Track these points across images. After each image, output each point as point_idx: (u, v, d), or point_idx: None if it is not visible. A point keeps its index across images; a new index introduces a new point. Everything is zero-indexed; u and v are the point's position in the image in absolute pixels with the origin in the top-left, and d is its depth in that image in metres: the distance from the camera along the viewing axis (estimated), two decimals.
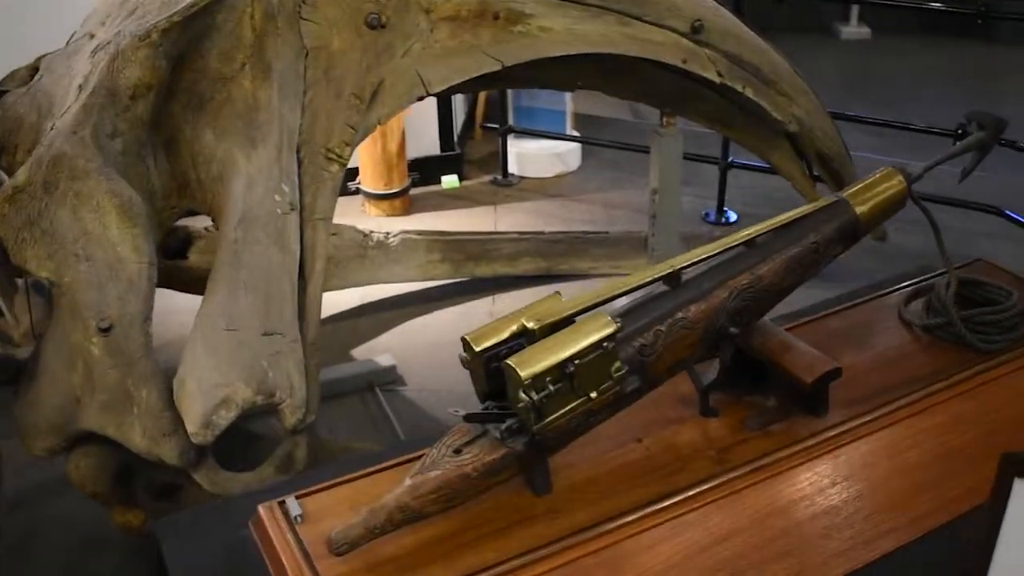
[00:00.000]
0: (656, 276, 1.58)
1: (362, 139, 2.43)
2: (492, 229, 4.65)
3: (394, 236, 3.92)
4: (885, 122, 4.70)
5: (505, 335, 1.49)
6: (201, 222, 2.91)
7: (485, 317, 3.85)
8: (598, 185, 5.26)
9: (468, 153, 5.53)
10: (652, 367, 1.56)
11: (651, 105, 3.24)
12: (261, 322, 2.08)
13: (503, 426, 1.45)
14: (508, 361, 1.40)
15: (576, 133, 5.46)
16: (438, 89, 2.48)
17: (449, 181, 5.26)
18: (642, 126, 5.79)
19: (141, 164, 2.23)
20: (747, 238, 1.68)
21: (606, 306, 1.55)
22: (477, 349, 1.47)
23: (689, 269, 1.62)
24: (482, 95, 5.60)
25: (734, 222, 4.78)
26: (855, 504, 1.58)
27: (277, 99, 2.28)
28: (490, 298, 4.07)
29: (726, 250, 1.66)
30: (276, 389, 2.02)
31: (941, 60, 7.42)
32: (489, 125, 5.46)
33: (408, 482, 1.43)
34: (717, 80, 2.83)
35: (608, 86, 3.10)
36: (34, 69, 2.56)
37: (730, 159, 4.68)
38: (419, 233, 4.02)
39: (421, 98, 2.49)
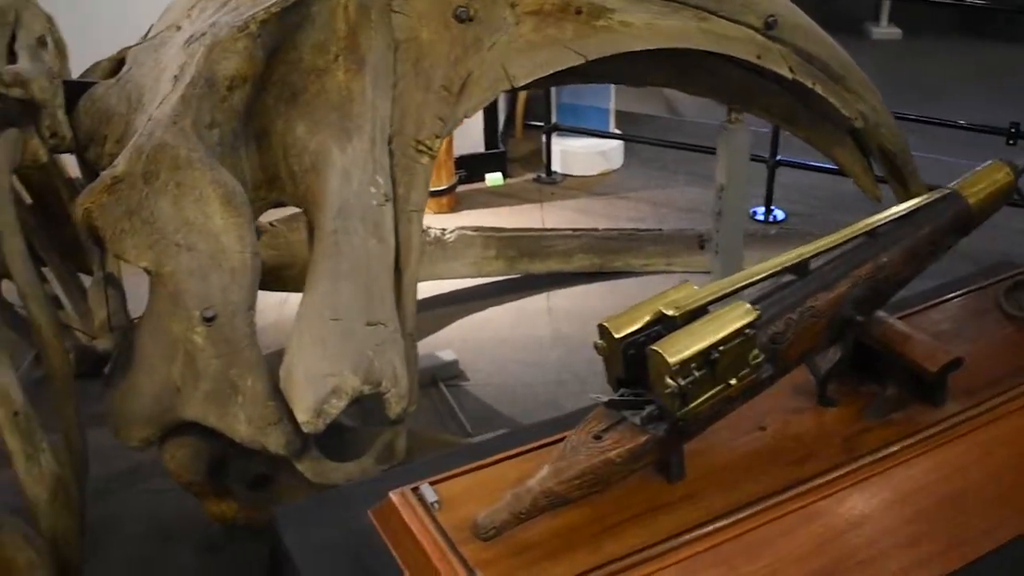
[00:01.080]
0: (785, 265, 1.59)
1: (449, 132, 2.44)
2: (540, 226, 4.65)
3: (450, 232, 3.93)
4: (930, 120, 4.69)
5: (642, 323, 1.50)
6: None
7: (542, 314, 3.87)
8: (643, 183, 5.27)
9: (510, 151, 5.53)
10: (783, 355, 1.57)
11: (719, 101, 3.24)
12: (364, 312, 2.08)
13: (643, 412, 1.45)
14: (654, 347, 1.41)
15: (618, 131, 5.47)
16: (522, 83, 2.48)
17: (493, 179, 5.27)
18: (681, 123, 5.80)
19: (235, 155, 2.23)
20: (869, 228, 1.68)
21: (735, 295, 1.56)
22: (617, 336, 1.48)
23: (815, 259, 1.63)
24: (523, 93, 5.60)
25: (782, 220, 4.77)
26: (978, 492, 1.59)
27: (370, 91, 2.28)
28: (544, 295, 4.08)
29: (849, 240, 1.66)
30: (382, 378, 2.03)
31: (973, 60, 7.42)
32: (534, 123, 5.46)
33: (549, 468, 1.43)
34: (789, 76, 2.83)
35: (679, 81, 3.10)
36: (117, 61, 2.56)
37: (777, 157, 4.69)
38: (474, 229, 4.03)
39: (506, 92, 2.49)
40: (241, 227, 2.05)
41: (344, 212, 2.17)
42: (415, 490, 1.56)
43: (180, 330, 2.05)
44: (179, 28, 2.43)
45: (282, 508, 1.77)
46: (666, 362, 1.39)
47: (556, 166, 5.34)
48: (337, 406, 1.95)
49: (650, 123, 5.77)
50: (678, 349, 1.40)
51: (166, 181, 2.07)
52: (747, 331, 1.45)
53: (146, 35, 2.62)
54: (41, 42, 2.38)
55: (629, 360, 1.49)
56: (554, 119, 5.24)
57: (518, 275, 4.15)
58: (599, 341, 1.52)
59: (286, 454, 2.04)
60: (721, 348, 1.42)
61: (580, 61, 2.52)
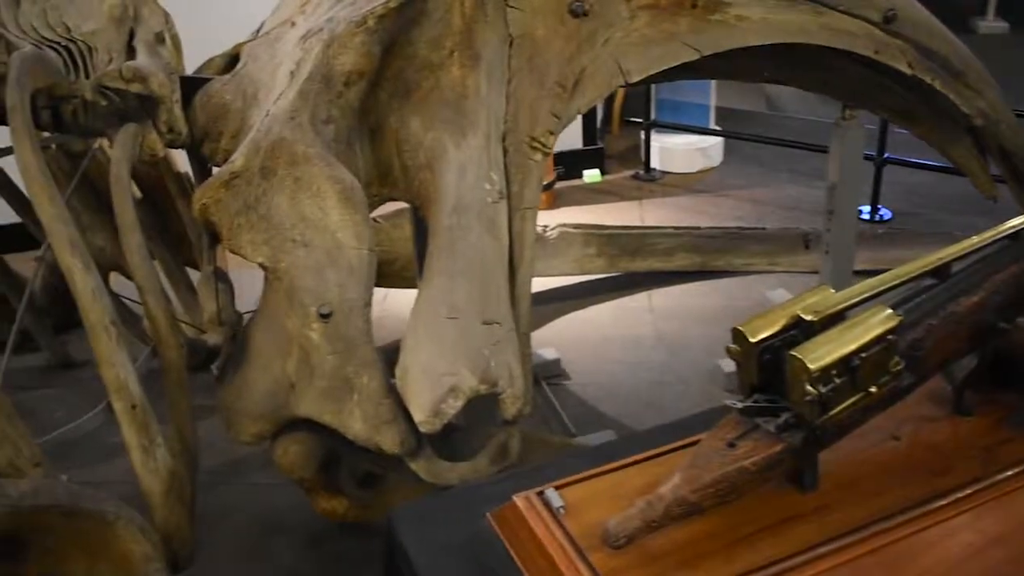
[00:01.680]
0: (926, 268, 1.53)
1: (563, 128, 2.40)
2: (639, 224, 4.61)
3: (552, 230, 3.90)
4: None
5: (778, 327, 1.45)
6: None
7: (643, 313, 3.83)
8: (743, 181, 5.19)
9: (607, 147, 5.48)
10: (923, 362, 1.51)
11: (834, 97, 3.16)
12: (480, 310, 2.06)
13: (779, 420, 1.41)
14: (794, 352, 1.36)
15: (717, 127, 5.39)
16: (636, 79, 2.44)
17: (591, 175, 5.23)
18: (781, 119, 5.71)
19: (350, 151, 2.22)
20: (1012, 231, 1.62)
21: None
22: (753, 340, 1.43)
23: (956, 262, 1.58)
24: (620, 89, 5.55)
25: (889, 220, 4.67)
26: None
27: (485, 87, 2.26)
28: (645, 293, 4.03)
29: (992, 242, 1.60)
30: (498, 378, 2.00)
31: None
32: (632, 119, 5.41)
33: (682, 476, 1.39)
34: (908, 71, 2.75)
35: (793, 77, 3.04)
36: (230, 57, 2.57)
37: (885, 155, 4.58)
38: (575, 227, 4.00)
39: (620, 87, 2.46)
40: (358, 224, 2.04)
41: (459, 209, 2.14)
42: (539, 494, 1.54)
43: (295, 326, 2.04)
44: (293, 24, 2.43)
45: (398, 508, 1.75)
46: (806, 368, 1.34)
47: (655, 163, 5.28)
48: (454, 406, 1.93)
49: (749, 119, 5.68)
50: (819, 355, 1.35)
51: (283, 177, 2.07)
52: (889, 337, 1.40)
53: (258, 31, 2.63)
54: (159, 38, 2.39)
55: (764, 365, 1.44)
56: (653, 115, 5.18)
57: (618, 273, 4.11)
58: (732, 345, 1.47)
59: (400, 453, 2.03)
60: (862, 355, 1.37)
61: (695, 56, 2.48)
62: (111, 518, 1.90)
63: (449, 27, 2.26)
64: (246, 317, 2.95)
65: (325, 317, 2.00)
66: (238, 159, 2.09)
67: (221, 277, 2.91)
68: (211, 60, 2.58)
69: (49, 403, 3.51)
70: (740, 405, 1.44)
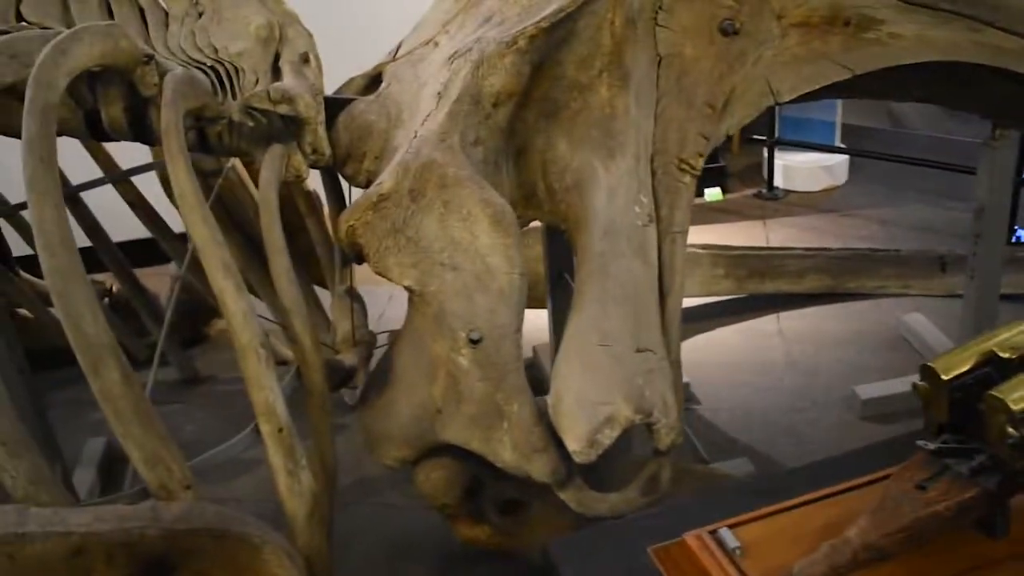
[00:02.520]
0: None
1: (711, 150, 2.35)
2: (764, 244, 4.52)
3: None
4: None
5: (970, 364, 1.38)
6: None
7: (773, 336, 3.74)
8: (869, 200, 5.06)
9: (728, 165, 5.39)
10: None
11: (985, 117, 3.06)
12: (633, 338, 2.01)
13: (972, 462, 1.34)
14: (994, 392, 1.29)
15: (842, 145, 5.28)
16: (787, 98, 2.37)
17: (712, 194, 5.15)
18: (907, 136, 5.56)
19: (497, 173, 2.19)
20: None
21: None
22: (945, 378, 1.36)
23: None
24: None
25: None
26: None
27: (634, 108, 2.21)
28: (774, 316, 3.94)
29: None
30: (653, 408, 1.95)
31: None
32: (755, 137, 5.31)
33: (869, 519, 1.33)
34: None
35: (944, 96, 2.94)
36: (371, 78, 2.56)
37: None
38: (702, 247, 3.92)
39: (770, 108, 2.39)
40: (509, 248, 2.00)
41: (610, 233, 2.10)
42: (713, 533, 1.48)
43: (443, 351, 2.01)
44: (436, 44, 2.41)
45: (557, 541, 1.71)
46: (1008, 409, 1.27)
47: (778, 181, 5.18)
48: (610, 436, 1.88)
49: (872, 136, 5.54)
50: (1021, 395, 1.28)
51: (432, 199, 2.04)
52: None
53: (396, 51, 2.61)
54: (304, 59, 2.38)
55: (954, 404, 1.37)
56: (777, 133, 5.08)
57: (744, 295, 4.02)
58: (920, 382, 1.40)
59: (551, 483, 1.98)
60: None
61: (846, 75, 2.40)
62: (258, 542, 1.88)
63: (598, 47, 2.21)
64: (380, 337, 2.95)
65: (475, 343, 1.96)
66: (387, 181, 2.07)
67: (354, 296, 2.91)
68: (352, 80, 2.57)
69: (177, 418, 3.55)
70: (931, 446, 1.37)
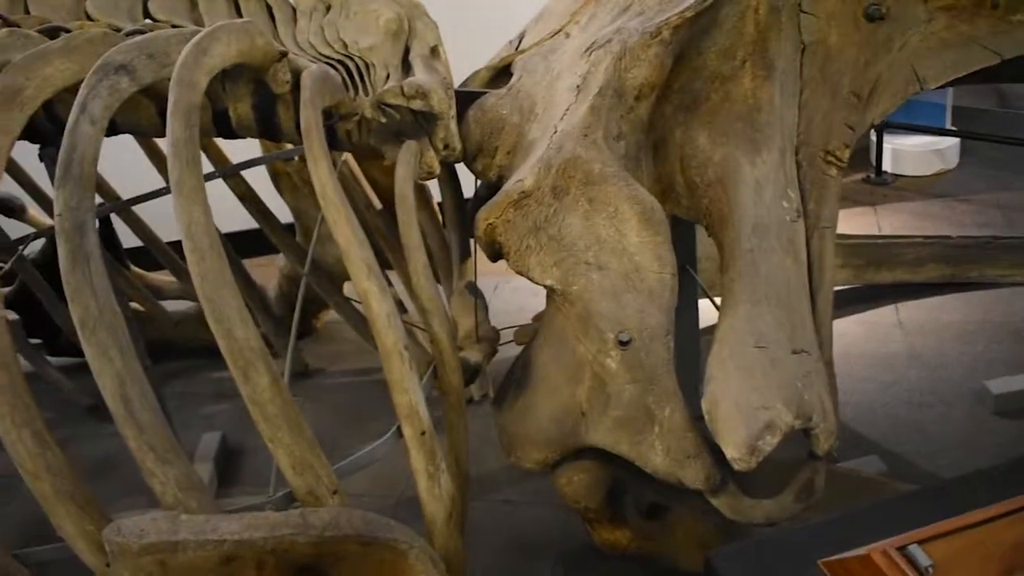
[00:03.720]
0: None
1: (857, 140, 2.26)
2: (876, 231, 4.40)
3: None
4: None
5: None
6: None
7: (892, 328, 3.63)
8: (984, 184, 4.89)
9: None
10: None
11: None
12: (788, 339, 1.94)
13: None
14: None
15: (953, 128, 5.13)
16: (932, 85, 2.28)
17: None
18: (1017, 117, 5.39)
19: (637, 168, 2.13)
20: None
21: None
22: None
23: None
24: None
25: None
26: None
27: (778, 99, 2.14)
28: (892, 307, 3.82)
29: None
30: (812, 412, 1.87)
31: None
32: None
33: None
34: None
35: None
36: (496, 70, 2.51)
37: None
38: None
39: (915, 94, 2.30)
40: (659, 246, 1.94)
41: (759, 229, 2.03)
42: (901, 549, 1.41)
43: (590, 352, 1.96)
44: (567, 35, 2.35)
45: (718, 551, 1.66)
46: None
47: (886, 165, 5.05)
48: (771, 443, 1.81)
49: (983, 118, 5.37)
50: None
51: (577, 196, 1.99)
52: None
53: (519, 42, 2.56)
54: (434, 52, 2.34)
55: None
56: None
57: (860, 284, 3.92)
58: None
59: (704, 489, 1.93)
60: None
61: (994, 61, 2.30)
62: (405, 548, 1.85)
63: (741, 36, 2.14)
64: (503, 334, 2.91)
65: (624, 344, 1.91)
66: (528, 178, 2.02)
67: (476, 292, 2.86)
68: (477, 73, 2.52)
69: None
70: None
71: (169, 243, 3.46)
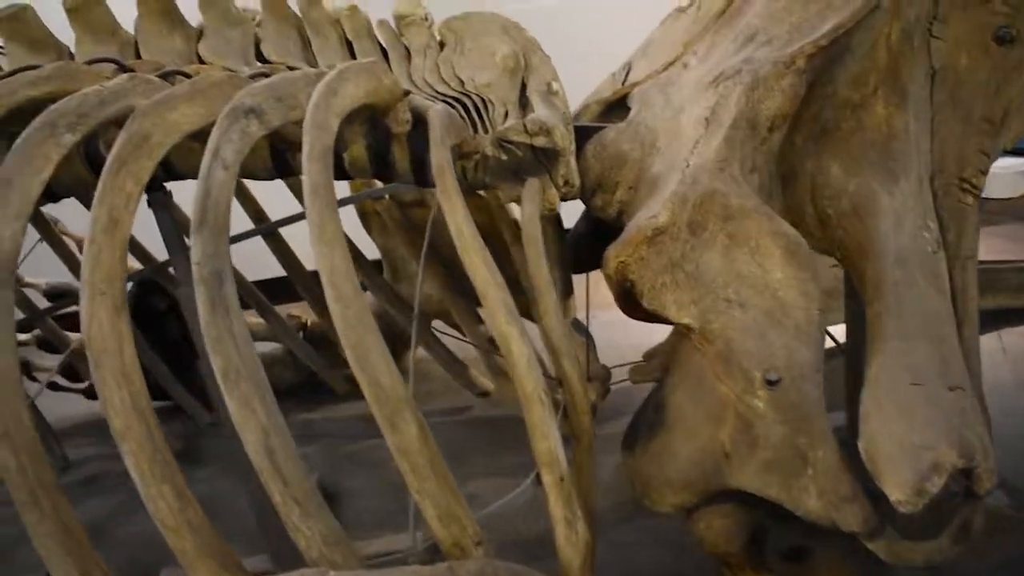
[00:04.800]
0: None
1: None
2: None
3: None
4: None
5: None
6: None
7: (996, 354, 3.54)
8: None
9: None
10: None
11: None
12: (942, 375, 1.87)
13: None
14: None
15: None
16: None
17: None
18: None
19: (771, 200, 2.07)
20: None
21: None
22: None
23: None
24: None
25: None
26: None
27: (913, 126, 2.08)
28: (995, 333, 3.73)
29: None
30: (974, 451, 1.80)
31: None
32: None
33: None
34: None
35: None
36: (605, 103, 2.47)
37: None
38: None
39: None
40: (805, 281, 1.88)
41: (901, 262, 1.96)
42: None
43: (734, 392, 1.90)
44: (686, 66, 2.30)
45: None
46: None
47: None
48: (937, 484, 1.73)
49: None
50: None
51: (715, 232, 1.93)
52: None
53: (626, 75, 2.51)
54: (551, 88, 2.30)
55: None
56: None
57: None
58: None
59: (861, 532, 1.85)
60: None
61: None
62: None
63: (873, 62, 2.08)
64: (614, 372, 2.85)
65: (772, 384, 1.84)
66: (662, 214, 1.96)
67: (584, 330, 2.81)
68: (587, 106, 2.49)
69: (381, 452, 3.48)
70: None
71: (255, 282, 3.43)
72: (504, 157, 2.16)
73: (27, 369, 3.79)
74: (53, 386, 3.85)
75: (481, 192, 2.34)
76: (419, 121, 2.14)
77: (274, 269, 3.39)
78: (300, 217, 3.31)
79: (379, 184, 2.88)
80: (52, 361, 3.82)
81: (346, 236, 3.20)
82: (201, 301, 1.69)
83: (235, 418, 1.66)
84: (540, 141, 2.11)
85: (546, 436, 1.86)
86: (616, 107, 2.46)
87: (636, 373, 2.34)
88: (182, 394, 3.53)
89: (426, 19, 2.52)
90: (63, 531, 1.70)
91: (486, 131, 2.19)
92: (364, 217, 3.53)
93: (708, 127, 2.05)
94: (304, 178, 1.77)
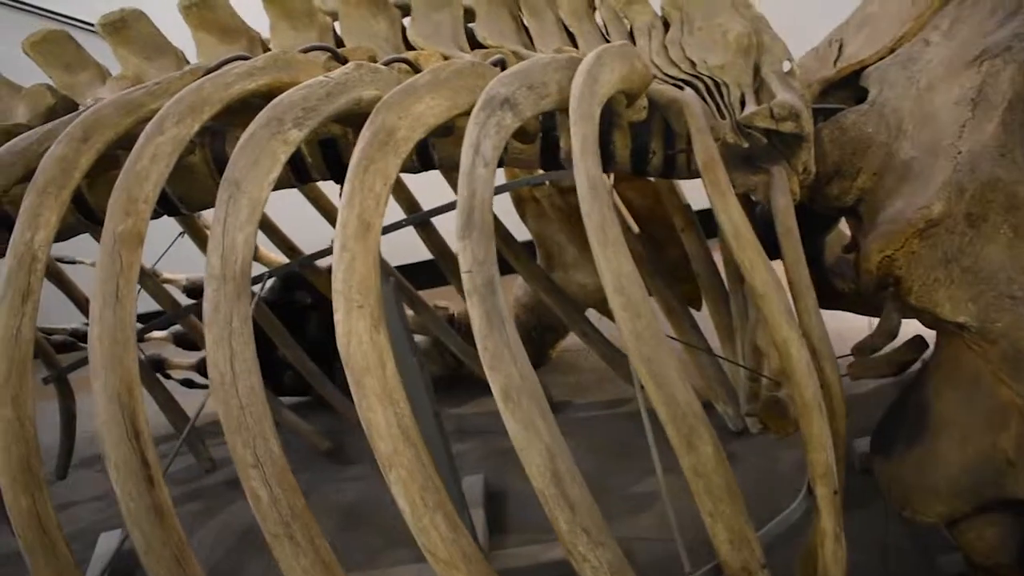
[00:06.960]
0: None
1: None
2: None
3: None
4: None
5: None
6: None
7: None
8: None
9: None
10: None
11: None
12: None
13: None
14: None
15: None
16: None
17: None
18: None
19: None
20: None
21: None
22: None
23: None
24: None
25: None
26: None
27: None
28: None
29: None
30: None
31: None
32: None
33: None
34: None
35: None
36: (827, 82, 2.32)
37: None
38: None
39: None
40: None
41: None
42: None
43: (1020, 395, 1.75)
44: (927, 42, 2.15)
45: None
46: None
47: None
48: None
49: None
50: None
51: (997, 223, 1.78)
52: None
53: (838, 52, 2.36)
54: (787, 69, 2.15)
55: None
56: None
57: None
58: None
59: None
60: None
61: None
62: None
63: None
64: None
65: None
66: (936, 204, 1.82)
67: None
68: (807, 86, 2.33)
69: None
70: None
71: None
72: (745, 144, 2.01)
73: (160, 367, 3.70)
74: (188, 383, 3.76)
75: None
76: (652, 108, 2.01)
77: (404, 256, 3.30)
78: (452, 207, 3.20)
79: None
80: (187, 358, 3.74)
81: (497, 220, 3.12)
82: (476, 314, 1.53)
83: (517, 440, 1.51)
84: (788, 127, 1.97)
85: (823, 447, 1.74)
86: (835, 86, 2.31)
87: (857, 369, 2.19)
88: (331, 391, 3.44)
89: None
90: (322, 567, 1.54)
91: (722, 116, 2.04)
92: (519, 203, 3.41)
93: (975, 109, 1.90)
94: (578, 174, 1.63)
